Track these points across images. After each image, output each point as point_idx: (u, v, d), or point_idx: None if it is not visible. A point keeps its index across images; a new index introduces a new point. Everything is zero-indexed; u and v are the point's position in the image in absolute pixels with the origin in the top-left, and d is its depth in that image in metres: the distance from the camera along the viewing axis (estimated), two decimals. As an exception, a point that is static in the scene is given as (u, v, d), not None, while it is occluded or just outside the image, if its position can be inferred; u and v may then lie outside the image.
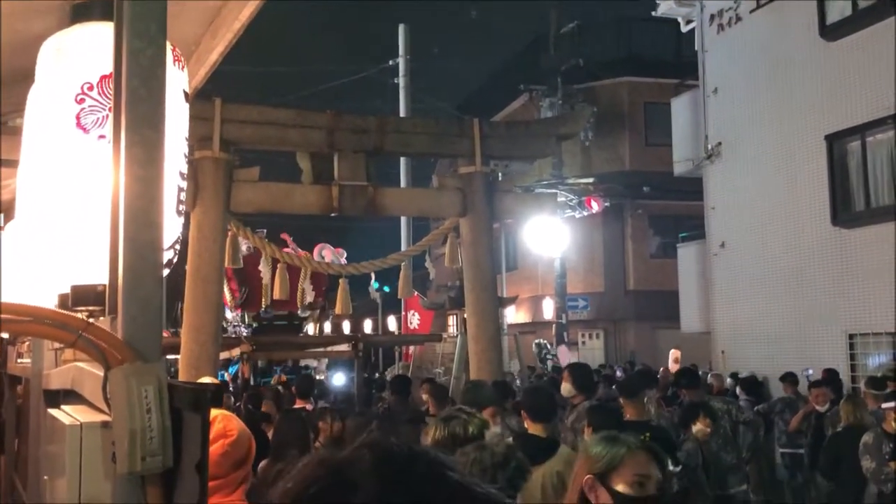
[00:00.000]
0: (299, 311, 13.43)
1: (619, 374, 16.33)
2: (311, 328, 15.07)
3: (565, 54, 23.58)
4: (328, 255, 11.71)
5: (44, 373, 2.95)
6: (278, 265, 9.99)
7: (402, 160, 20.85)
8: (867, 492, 6.65)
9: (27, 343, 3.29)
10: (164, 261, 2.38)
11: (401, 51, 23.11)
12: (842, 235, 13.34)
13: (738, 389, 12.49)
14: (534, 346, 20.01)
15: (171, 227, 2.31)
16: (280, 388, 12.01)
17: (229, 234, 9.17)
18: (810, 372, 11.75)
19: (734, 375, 13.46)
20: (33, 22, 2.64)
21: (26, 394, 3.22)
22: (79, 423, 1.71)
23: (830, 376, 10.49)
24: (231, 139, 9.04)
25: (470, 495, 0.70)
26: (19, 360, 3.54)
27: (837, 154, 13.48)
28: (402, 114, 21.60)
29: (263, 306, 12.75)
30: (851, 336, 13.17)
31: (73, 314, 1.76)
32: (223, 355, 10.66)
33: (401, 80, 22.82)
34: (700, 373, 11.57)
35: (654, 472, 2.64)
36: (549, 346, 20.14)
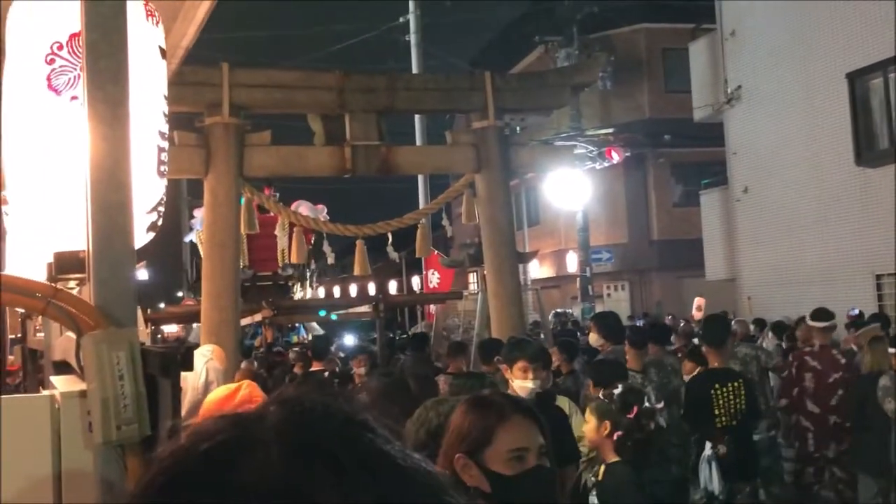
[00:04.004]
0: (280, 270, 13.31)
1: (640, 325, 16.24)
2: (298, 289, 14.83)
3: (580, 3, 23.18)
4: (305, 210, 11.48)
5: (51, 344, 2.94)
6: (294, 229, 9.97)
7: (417, 118, 20.66)
8: (893, 433, 6.55)
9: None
10: (148, 223, 2.33)
11: (411, 7, 22.80)
12: (866, 175, 13.10)
13: (769, 335, 12.30)
14: (551, 316, 19.70)
15: (152, 189, 2.24)
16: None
17: (244, 199, 9.14)
18: (856, 311, 11.39)
19: (757, 322, 13.31)
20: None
21: (42, 367, 3.22)
22: (51, 394, 1.66)
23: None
24: (241, 104, 8.98)
25: (386, 461, 0.62)
26: (38, 334, 3.53)
27: (859, 92, 13.18)
28: (414, 71, 21.36)
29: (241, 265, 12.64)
30: (879, 276, 12.98)
31: (39, 281, 1.70)
32: (244, 321, 10.67)
33: (412, 38, 22.53)
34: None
35: (533, 440, 2.19)
36: (571, 313, 19.81)
